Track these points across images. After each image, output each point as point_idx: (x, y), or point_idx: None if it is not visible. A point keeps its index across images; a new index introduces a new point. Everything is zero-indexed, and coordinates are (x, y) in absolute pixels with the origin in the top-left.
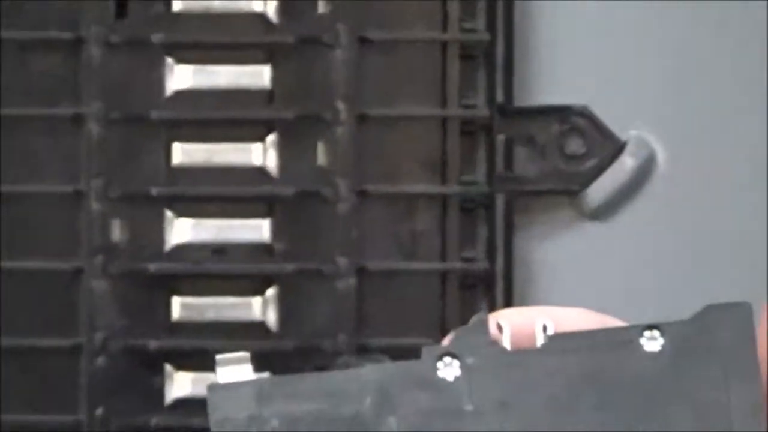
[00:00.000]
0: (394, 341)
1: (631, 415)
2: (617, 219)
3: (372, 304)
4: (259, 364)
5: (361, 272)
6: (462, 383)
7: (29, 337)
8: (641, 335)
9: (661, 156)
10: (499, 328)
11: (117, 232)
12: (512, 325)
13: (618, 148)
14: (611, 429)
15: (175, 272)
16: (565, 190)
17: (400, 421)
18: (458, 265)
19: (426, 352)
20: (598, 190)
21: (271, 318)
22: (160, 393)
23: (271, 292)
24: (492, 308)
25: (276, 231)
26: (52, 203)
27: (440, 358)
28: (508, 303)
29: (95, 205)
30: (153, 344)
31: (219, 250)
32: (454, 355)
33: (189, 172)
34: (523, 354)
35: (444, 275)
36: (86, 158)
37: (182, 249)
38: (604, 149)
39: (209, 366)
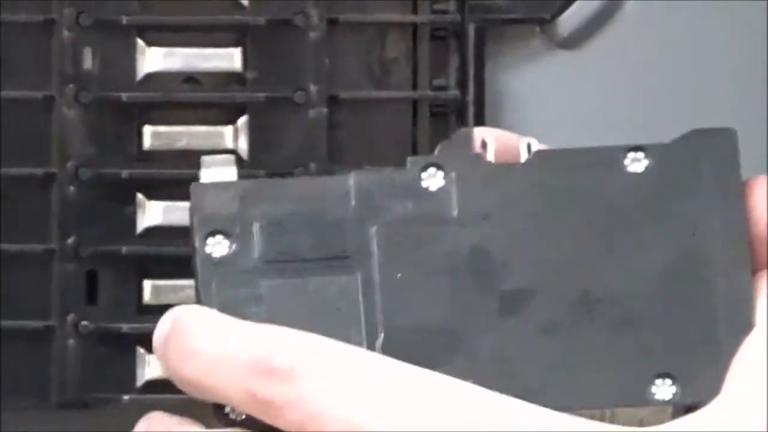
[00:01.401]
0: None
1: (612, 233)
2: (589, 48)
3: (343, 133)
4: None
5: (332, 100)
6: (445, 194)
7: None
8: (625, 156)
9: None
10: (483, 144)
11: (88, 60)
12: (497, 141)
13: None
14: (590, 246)
15: (147, 101)
16: (537, 19)
17: (382, 227)
18: (429, 93)
19: (410, 162)
20: (570, 19)
21: (243, 146)
22: (131, 222)
23: (242, 120)
24: None
25: (247, 59)
26: (22, 32)
27: (424, 168)
28: None
29: (66, 34)
30: (124, 173)
31: (190, 78)
32: (438, 166)
33: (160, 0)
34: (507, 168)
35: (415, 104)
36: None
37: (154, 78)
38: None
39: (180, 195)
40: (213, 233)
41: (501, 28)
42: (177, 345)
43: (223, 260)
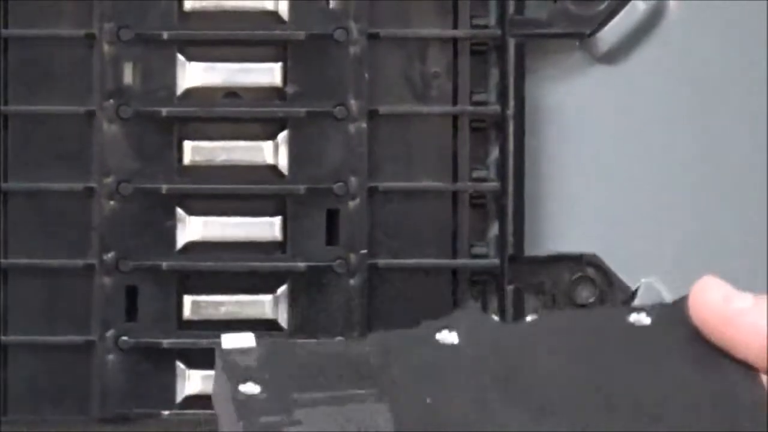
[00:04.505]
0: (405, 184)
1: (614, 387)
2: (628, 63)
3: (383, 148)
4: (271, 207)
5: (372, 115)
6: (460, 347)
7: (41, 180)
8: (629, 315)
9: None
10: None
11: (129, 75)
12: None
13: None
14: (597, 401)
15: (187, 116)
16: (577, 34)
17: (402, 369)
18: (469, 108)
19: (425, 325)
20: (610, 34)
21: (283, 161)
22: (171, 236)
23: (282, 135)
24: (503, 153)
25: (288, 74)
26: (63, 47)
27: (439, 330)
28: (519, 146)
29: (107, 48)
30: (164, 188)
31: (231, 93)
32: (450, 328)
33: (200, 15)
34: (516, 326)
35: (455, 118)
36: (98, 0)
37: (194, 92)
38: None
39: (221, 210)
40: (244, 381)
41: (541, 42)
42: None
43: (257, 398)
